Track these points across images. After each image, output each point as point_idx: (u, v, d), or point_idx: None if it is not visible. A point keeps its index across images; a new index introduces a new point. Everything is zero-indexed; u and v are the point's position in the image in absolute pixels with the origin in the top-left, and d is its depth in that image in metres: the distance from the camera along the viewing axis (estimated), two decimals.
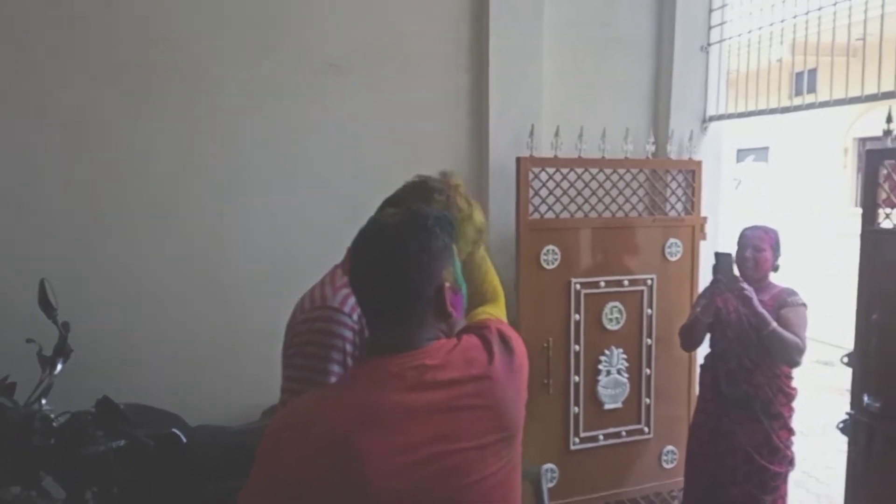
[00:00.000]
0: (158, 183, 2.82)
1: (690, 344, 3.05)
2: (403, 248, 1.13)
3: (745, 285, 2.72)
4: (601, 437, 3.25)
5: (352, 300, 1.38)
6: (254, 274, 2.95)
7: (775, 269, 2.88)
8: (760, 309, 2.69)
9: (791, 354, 2.71)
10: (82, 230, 2.75)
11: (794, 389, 2.86)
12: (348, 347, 1.36)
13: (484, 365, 1.16)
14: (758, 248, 2.82)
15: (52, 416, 2.28)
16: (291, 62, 2.94)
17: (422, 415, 1.09)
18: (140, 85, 2.76)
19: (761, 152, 15.33)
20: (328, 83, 2.98)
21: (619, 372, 3.29)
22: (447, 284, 1.17)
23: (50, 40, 2.66)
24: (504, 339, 1.22)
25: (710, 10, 3.53)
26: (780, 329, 2.68)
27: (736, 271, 2.78)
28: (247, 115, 2.90)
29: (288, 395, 1.36)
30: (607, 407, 3.26)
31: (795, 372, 2.85)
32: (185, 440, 2.34)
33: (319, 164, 3.00)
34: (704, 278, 3.38)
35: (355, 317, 1.39)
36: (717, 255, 2.79)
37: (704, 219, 3.41)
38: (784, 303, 2.78)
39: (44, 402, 2.28)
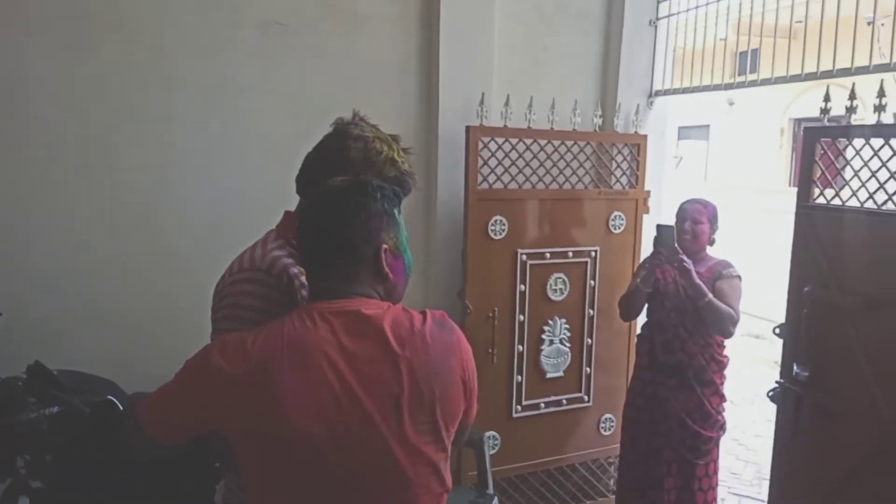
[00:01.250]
0: (94, 142, 2.69)
1: (629, 313, 3.12)
2: (342, 206, 1.25)
3: (685, 257, 2.80)
4: (542, 406, 3.31)
5: (280, 262, 1.40)
6: (193, 238, 2.86)
7: (711, 242, 2.97)
8: (697, 280, 2.77)
9: (725, 325, 2.80)
10: (13, 189, 2.60)
11: (726, 358, 2.97)
12: (267, 307, 1.36)
13: (427, 334, 1.22)
14: (696, 221, 2.90)
15: None
16: (234, 18, 2.83)
17: (345, 358, 1.16)
18: (75, 37, 2.61)
19: (702, 130, 15.69)
20: (272, 42, 2.89)
21: (561, 342, 3.34)
22: (385, 247, 1.26)
23: None
24: (442, 320, 1.28)
25: None
26: (715, 300, 2.77)
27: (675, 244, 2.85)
28: (187, 72, 2.78)
29: None
30: (549, 376, 3.32)
31: (728, 343, 2.97)
32: (121, 408, 2.27)
33: (261, 124, 2.91)
34: (646, 251, 3.45)
35: (285, 279, 1.39)
36: (659, 227, 2.85)
37: (648, 193, 3.47)
38: (719, 275, 2.87)
39: None
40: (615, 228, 3.40)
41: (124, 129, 2.73)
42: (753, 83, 3.08)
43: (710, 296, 2.77)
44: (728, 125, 14.45)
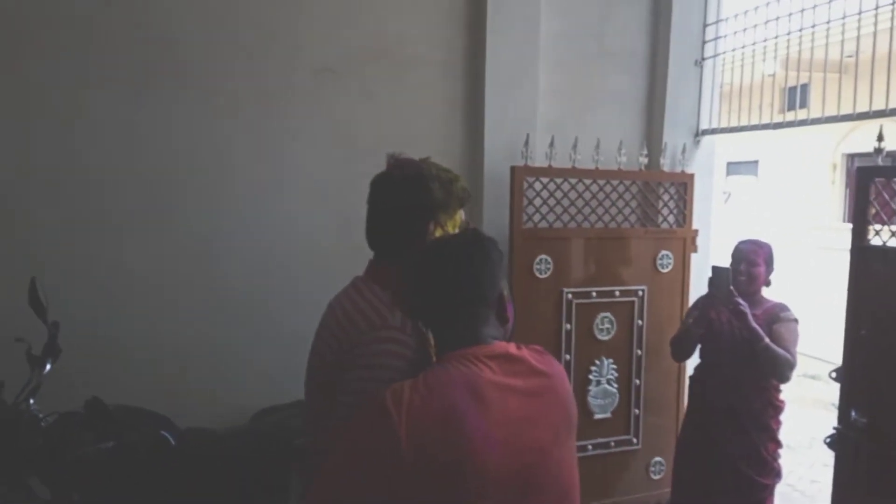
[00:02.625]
0: (150, 184, 2.81)
1: (681, 354, 3.07)
2: (473, 257, 1.33)
3: (741, 300, 2.74)
4: (590, 447, 3.26)
5: (407, 320, 1.41)
6: (243, 276, 2.94)
7: (767, 283, 2.90)
8: (754, 324, 2.71)
9: (782, 370, 2.73)
10: (74, 230, 2.73)
11: (783, 402, 2.88)
12: (406, 367, 1.37)
13: (552, 363, 1.36)
14: (752, 262, 2.84)
15: (40, 416, 2.25)
16: (286, 65, 2.95)
17: (514, 395, 1.25)
18: (133, 86, 2.76)
19: (751, 166, 15.44)
20: (323, 87, 2.99)
21: (608, 382, 3.30)
22: (505, 293, 1.37)
23: (46, 39, 2.65)
24: (545, 353, 1.39)
25: (705, 25, 3.56)
26: (772, 345, 2.70)
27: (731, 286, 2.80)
28: (240, 118, 2.90)
29: (349, 409, 1.33)
30: (597, 417, 3.27)
31: (783, 385, 2.88)
32: (173, 442, 2.33)
33: (311, 167, 3.00)
34: (695, 291, 3.41)
35: (416, 336, 1.41)
36: (715, 268, 2.81)
37: (696, 231, 3.43)
38: (776, 318, 2.80)
39: (31, 401, 2.26)
40: (663, 267, 3.36)
41: (180, 172, 2.85)
42: (803, 122, 3.04)
43: (767, 340, 2.70)
44: (778, 160, 14.19)
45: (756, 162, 15.23)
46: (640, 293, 3.32)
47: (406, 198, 1.49)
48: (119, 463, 2.20)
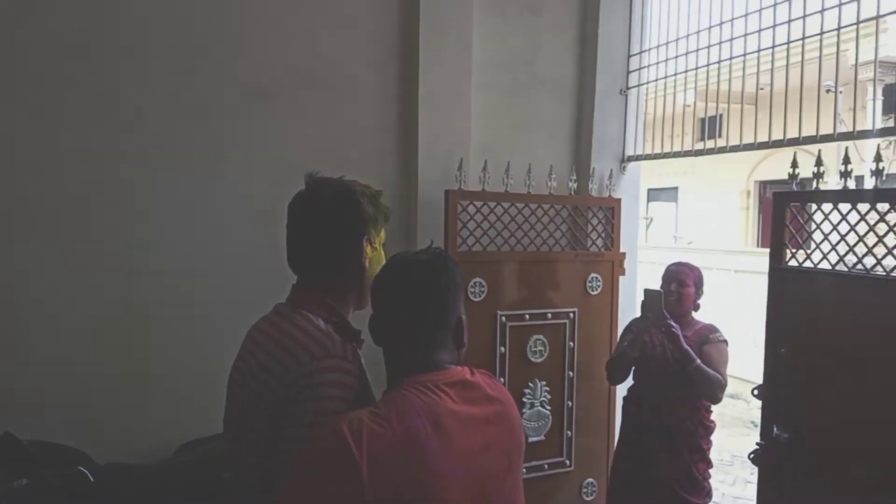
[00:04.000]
0: (70, 206, 2.67)
1: (617, 378, 3.12)
2: (435, 279, 1.30)
3: (672, 322, 2.80)
4: (524, 470, 3.25)
5: (347, 345, 1.36)
6: (170, 302, 2.82)
7: (696, 307, 2.99)
8: (685, 346, 2.78)
9: (713, 390, 2.80)
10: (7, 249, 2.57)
11: (713, 423, 2.97)
12: (352, 396, 1.33)
13: (502, 388, 1.38)
14: (682, 283, 2.93)
15: None
16: (216, 86, 2.87)
17: (473, 424, 1.25)
18: (54, 100, 2.63)
19: (671, 192, 16.06)
20: (253, 108, 2.93)
21: (542, 405, 3.32)
22: (463, 317, 1.37)
23: None
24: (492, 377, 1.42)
25: (629, 56, 3.70)
26: (703, 366, 2.77)
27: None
28: (167, 138, 2.80)
29: (298, 443, 1.27)
30: (531, 440, 3.28)
31: (714, 405, 2.96)
32: (91, 479, 2.19)
33: (241, 188, 2.92)
34: (623, 313, 3.49)
35: (357, 363, 1.37)
36: (647, 291, 2.86)
37: (623, 254, 3.53)
38: (706, 339, 2.88)
39: None
40: (593, 290, 3.43)
41: (103, 190, 2.72)
42: (722, 149, 3.18)
43: (698, 361, 2.77)
44: (695, 188, 14.83)
45: (676, 188, 15.86)
46: (572, 315, 3.38)
47: (338, 214, 1.44)
48: (33, 501, 2.05)
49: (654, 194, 16.10)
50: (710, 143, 3.25)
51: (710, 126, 3.42)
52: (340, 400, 1.30)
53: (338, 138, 3.07)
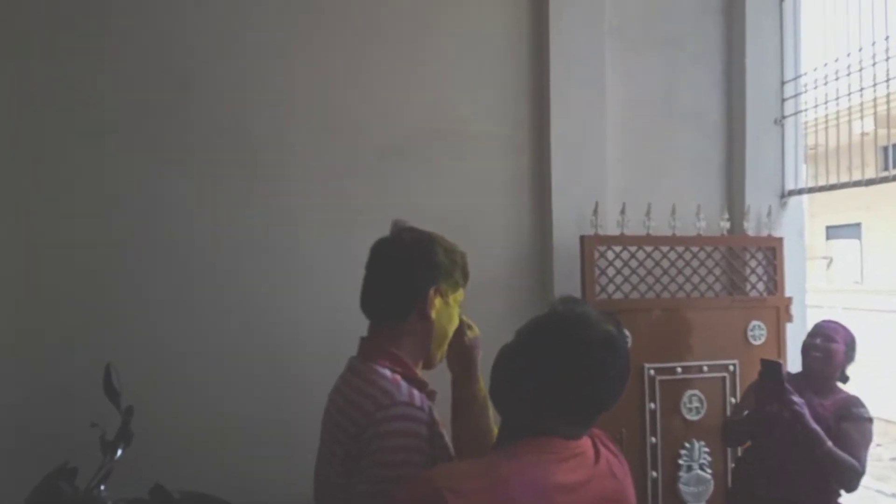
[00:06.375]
0: (221, 268, 2.86)
1: (734, 441, 2.81)
2: (614, 367, 1.20)
3: (797, 399, 2.40)
4: None
5: (414, 392, 1.32)
6: (314, 357, 2.91)
7: (845, 378, 2.57)
8: (814, 425, 2.37)
9: (846, 478, 2.39)
10: (148, 313, 2.80)
11: None
12: (423, 444, 1.28)
13: (625, 465, 1.28)
14: (829, 338, 2.52)
15: (109, 502, 2.25)
16: (350, 147, 2.99)
17: (583, 500, 1.15)
18: (208, 168, 2.86)
19: (853, 229, 14.62)
20: (386, 166, 3.01)
21: (701, 467, 3.02)
22: None
23: (127, 125, 2.80)
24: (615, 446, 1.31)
25: (783, 82, 3.41)
26: (835, 449, 2.36)
27: (787, 379, 2.48)
28: (307, 200, 2.94)
29: (368, 500, 1.24)
30: None
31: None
32: None
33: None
34: (794, 363, 3.12)
35: (427, 410, 1.32)
36: (764, 362, 2.50)
37: (789, 299, 3.18)
38: (847, 414, 2.45)
39: (102, 487, 2.26)
40: (755, 339, 3.11)
41: (251, 255, 2.89)
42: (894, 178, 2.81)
43: (830, 444, 2.35)
44: (881, 223, 13.37)
45: (858, 225, 14.41)
46: (731, 368, 3.07)
47: (409, 257, 1.42)
48: None
49: (832, 232, 14.75)
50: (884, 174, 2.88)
51: (895, 154, 3.05)
52: (412, 450, 1.24)
53: (470, 191, 3.07)
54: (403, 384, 1.32)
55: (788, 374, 2.63)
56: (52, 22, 2.74)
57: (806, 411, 2.39)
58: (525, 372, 1.20)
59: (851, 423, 2.43)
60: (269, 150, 2.93)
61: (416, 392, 1.32)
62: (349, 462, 1.28)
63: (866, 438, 2.43)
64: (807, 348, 2.55)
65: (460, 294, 1.47)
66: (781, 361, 2.52)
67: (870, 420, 2.47)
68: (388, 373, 1.35)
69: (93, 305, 2.76)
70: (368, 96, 3.02)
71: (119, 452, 2.34)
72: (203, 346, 2.84)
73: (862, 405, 2.49)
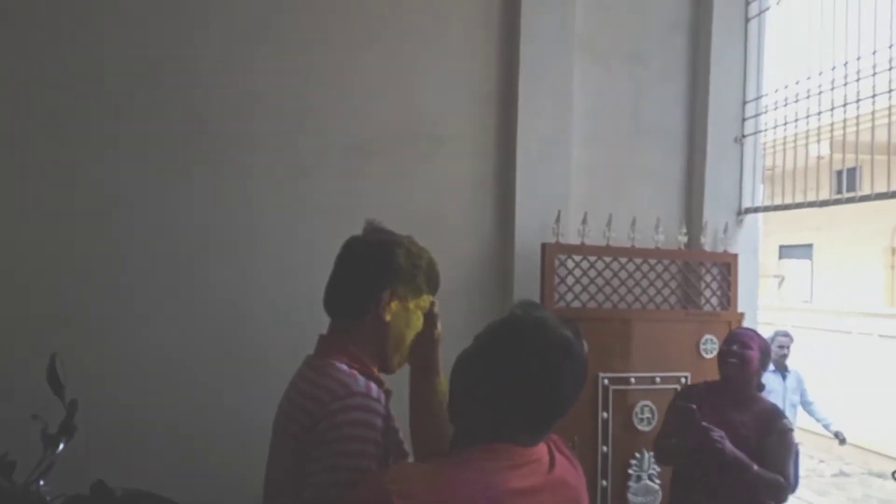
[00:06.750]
0: (179, 262, 2.80)
1: (665, 464, 2.83)
2: (572, 376, 1.22)
3: (716, 434, 2.39)
4: None
5: (370, 384, 1.32)
6: (271, 355, 2.86)
7: (760, 387, 2.61)
8: (737, 455, 2.39)
9: (775, 495, 2.45)
10: (97, 305, 2.72)
11: None
12: (379, 437, 1.28)
13: (579, 470, 1.27)
14: (745, 345, 2.54)
15: (48, 499, 2.17)
16: (318, 146, 2.96)
17: None
18: (166, 160, 2.79)
19: (805, 249, 15.04)
20: (352, 165, 2.99)
21: (650, 477, 3.06)
22: None
23: (88, 119, 2.72)
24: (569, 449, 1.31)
25: (745, 102, 3.49)
26: (761, 472, 2.40)
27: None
28: (272, 194, 2.90)
29: (320, 490, 1.22)
30: None
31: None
32: None
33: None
34: None
35: (383, 401, 1.32)
36: (680, 409, 2.50)
37: (741, 315, 3.25)
38: (767, 429, 2.49)
39: (41, 482, 2.19)
40: (707, 353, 3.17)
41: (210, 249, 2.84)
42: (851, 199, 2.90)
43: (755, 467, 2.39)
44: (831, 244, 13.79)
45: (810, 245, 14.83)
46: (683, 380, 3.12)
47: (368, 258, 1.43)
48: None
49: (785, 251, 15.14)
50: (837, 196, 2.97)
51: (848, 179, 3.15)
52: (367, 441, 1.24)
53: (434, 193, 3.07)
54: (361, 377, 1.32)
55: (707, 384, 2.67)
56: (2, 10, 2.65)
57: (727, 444, 2.38)
58: (483, 376, 1.19)
59: (774, 437, 2.47)
60: (234, 145, 2.88)
61: (373, 385, 1.32)
62: (300, 454, 1.26)
63: (790, 450, 2.48)
64: (723, 355, 2.57)
65: (424, 300, 1.46)
66: (694, 406, 2.45)
67: (791, 430, 2.52)
68: (345, 367, 1.35)
69: (40, 298, 2.68)
70: (336, 94, 2.99)
71: (61, 447, 2.26)
72: (154, 342, 2.76)
73: (781, 416, 2.55)
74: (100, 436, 2.54)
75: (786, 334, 5.63)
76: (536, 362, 1.17)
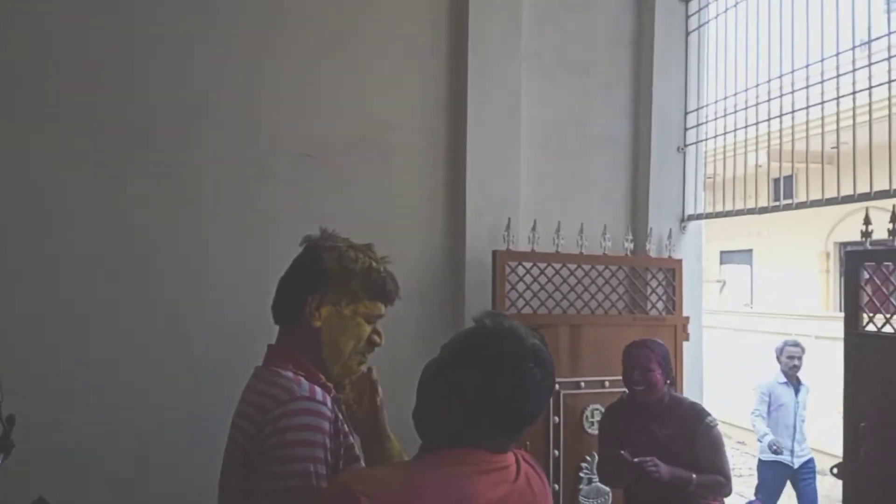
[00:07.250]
0: (123, 274, 2.72)
1: (610, 485, 2.91)
2: (544, 381, 1.23)
3: (650, 466, 2.45)
4: None
5: (315, 388, 1.30)
6: (219, 368, 2.80)
7: (671, 382, 2.72)
8: (675, 476, 2.48)
9: (720, 493, 2.57)
10: (41, 318, 2.63)
11: None
12: (326, 440, 1.27)
13: (544, 480, 1.30)
14: (646, 369, 2.63)
15: None
16: (266, 153, 2.92)
17: None
18: (109, 167, 2.71)
19: (745, 255, 15.50)
20: (303, 173, 2.96)
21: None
22: None
23: (24, 123, 2.63)
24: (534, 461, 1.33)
25: (686, 112, 3.60)
26: (702, 479, 2.50)
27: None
28: (219, 202, 2.85)
29: (268, 499, 1.21)
30: None
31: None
32: None
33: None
34: (689, 381, 3.29)
35: (330, 403, 1.31)
36: (604, 455, 2.62)
37: (686, 319, 3.34)
38: (694, 434, 2.57)
39: None
40: None
41: (155, 260, 2.77)
42: (788, 206, 3.02)
43: (694, 477, 2.48)
44: (770, 249, 14.27)
45: (749, 251, 15.30)
46: None
47: (299, 264, 1.45)
48: None
49: (726, 257, 15.58)
50: (775, 203, 3.09)
51: (785, 186, 3.27)
52: (313, 444, 1.23)
53: (385, 201, 3.06)
54: (305, 382, 1.31)
55: (627, 400, 2.74)
56: None
57: (662, 469, 2.45)
58: (456, 386, 1.19)
59: (702, 440, 2.56)
60: (180, 152, 2.82)
61: (318, 389, 1.31)
62: (248, 464, 1.25)
63: (721, 447, 2.59)
64: (629, 384, 2.65)
65: (367, 307, 1.44)
66: (624, 451, 2.53)
67: (715, 426, 2.60)
68: (290, 374, 1.34)
69: None
70: (285, 101, 2.96)
71: None
72: (97, 355, 2.67)
73: (703, 416, 2.62)
74: (40, 452, 2.45)
75: (796, 344, 5.31)
76: (512, 370, 1.18)
